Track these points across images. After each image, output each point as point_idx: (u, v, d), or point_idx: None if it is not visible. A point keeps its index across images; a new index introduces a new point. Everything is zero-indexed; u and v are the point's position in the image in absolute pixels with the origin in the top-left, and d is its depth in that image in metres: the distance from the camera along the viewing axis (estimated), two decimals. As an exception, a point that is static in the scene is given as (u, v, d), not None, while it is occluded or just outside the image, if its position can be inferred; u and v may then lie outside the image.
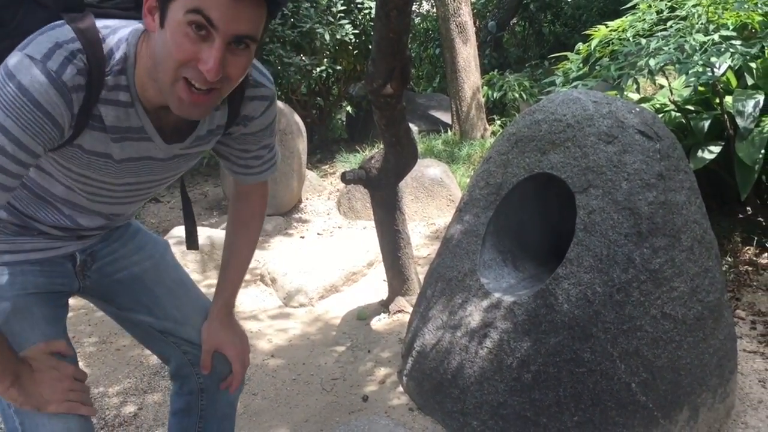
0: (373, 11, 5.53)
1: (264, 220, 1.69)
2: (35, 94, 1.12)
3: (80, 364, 2.84)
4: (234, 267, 1.64)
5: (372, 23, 5.57)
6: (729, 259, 3.11)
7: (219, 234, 3.89)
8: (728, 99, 3.14)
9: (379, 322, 3.13)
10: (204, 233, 3.85)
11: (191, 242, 1.71)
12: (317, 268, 3.70)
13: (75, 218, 1.41)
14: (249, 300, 3.49)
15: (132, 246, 1.59)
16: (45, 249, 1.44)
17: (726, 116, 3.06)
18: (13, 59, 1.13)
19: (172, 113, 1.27)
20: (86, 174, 1.30)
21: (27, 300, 1.39)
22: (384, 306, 3.24)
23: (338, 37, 5.44)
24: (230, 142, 1.47)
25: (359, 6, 5.64)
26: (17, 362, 1.26)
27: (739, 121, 2.94)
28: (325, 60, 5.55)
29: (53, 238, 1.44)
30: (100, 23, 1.22)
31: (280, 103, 4.80)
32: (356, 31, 5.59)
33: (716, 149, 3.04)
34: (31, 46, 1.14)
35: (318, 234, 4.52)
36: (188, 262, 3.70)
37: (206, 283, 3.60)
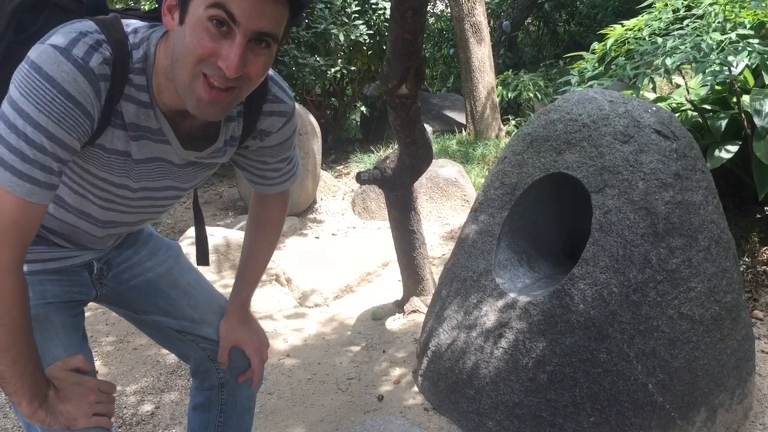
0: (388, 12, 5.54)
1: (284, 224, 1.69)
2: (64, 84, 1.09)
3: (98, 363, 2.86)
4: (252, 267, 1.65)
5: (386, 24, 5.57)
6: (746, 260, 3.09)
7: (234, 234, 3.91)
8: (745, 98, 3.11)
9: (394, 322, 3.13)
10: (220, 233, 3.88)
11: (202, 258, 1.70)
12: (332, 268, 3.71)
13: (93, 226, 1.40)
14: (264, 300, 3.51)
15: (145, 252, 1.60)
16: (62, 258, 1.44)
17: (743, 115, 3.03)
18: (36, 51, 1.10)
19: (188, 121, 1.26)
20: (104, 177, 1.28)
21: (46, 309, 1.39)
22: (399, 306, 3.24)
23: (352, 37, 5.45)
24: (248, 154, 1.45)
25: (374, 6, 5.65)
26: (45, 384, 1.24)
27: (756, 120, 2.92)
28: (340, 60, 5.57)
29: (68, 248, 1.44)
30: (124, 20, 1.21)
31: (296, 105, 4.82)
32: (370, 32, 5.59)
33: (733, 149, 3.02)
34: (54, 37, 1.11)
35: (333, 234, 4.53)
36: (204, 262, 3.72)
37: (222, 282, 3.62)
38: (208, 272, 3.69)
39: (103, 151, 1.23)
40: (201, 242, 1.69)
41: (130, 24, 1.21)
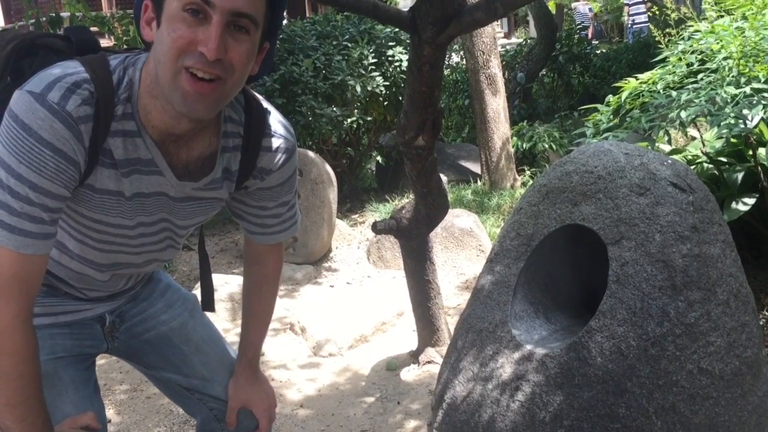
0: (404, 64, 5.63)
1: (279, 282, 1.67)
2: (40, 131, 1.06)
3: (111, 412, 2.85)
4: (254, 328, 1.62)
5: (402, 75, 5.66)
6: (766, 313, 3.05)
7: (250, 282, 3.91)
8: (761, 151, 3.12)
9: (408, 373, 3.11)
10: (235, 281, 3.89)
11: (208, 304, 1.67)
12: (347, 317, 3.70)
13: (97, 273, 1.37)
14: (278, 349, 3.49)
15: (160, 305, 1.58)
16: (74, 311, 1.42)
17: (760, 168, 3.03)
18: (14, 98, 1.08)
19: (183, 149, 1.23)
20: (98, 218, 1.25)
21: (56, 364, 1.37)
22: (414, 357, 3.22)
23: (369, 88, 5.54)
24: (246, 198, 1.42)
25: (390, 59, 5.75)
26: None
27: (773, 173, 2.92)
28: (356, 111, 5.64)
29: (80, 299, 1.42)
30: (111, 55, 1.20)
31: (311, 153, 4.88)
32: (386, 83, 5.68)
33: (750, 201, 3.01)
34: (31, 83, 1.09)
35: (347, 283, 4.53)
36: (219, 310, 3.72)
37: (236, 331, 3.61)
38: (223, 320, 3.69)
39: (92, 191, 1.20)
40: (206, 287, 1.66)
41: (118, 56, 1.19)
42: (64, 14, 5.36)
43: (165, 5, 1.10)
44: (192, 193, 1.31)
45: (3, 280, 1.11)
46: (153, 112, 1.18)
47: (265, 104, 1.35)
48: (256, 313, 1.63)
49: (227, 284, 3.84)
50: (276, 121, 1.34)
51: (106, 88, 1.13)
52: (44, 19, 4.74)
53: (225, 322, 3.69)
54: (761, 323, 2.94)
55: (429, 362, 3.11)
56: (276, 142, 1.33)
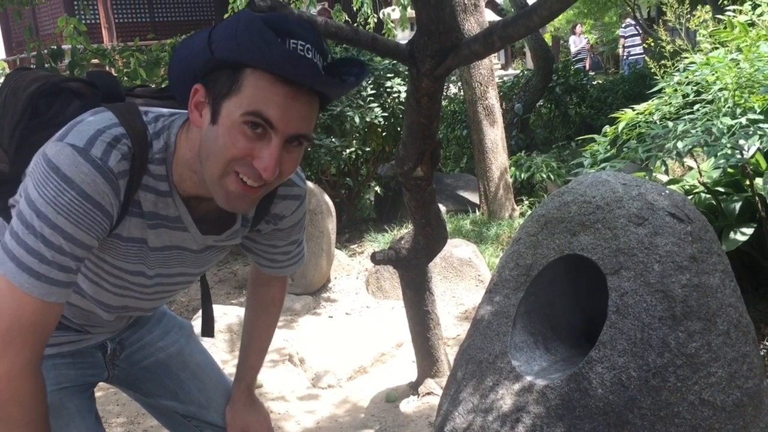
0: (402, 95, 5.68)
1: (282, 307, 1.70)
2: (83, 185, 1.09)
3: (107, 444, 2.82)
4: (254, 351, 1.64)
5: (400, 106, 5.70)
6: (767, 344, 3.04)
7: (248, 313, 3.90)
8: (758, 181, 3.13)
9: (408, 405, 3.08)
10: (233, 312, 3.87)
11: (207, 330, 1.68)
12: (346, 348, 3.68)
13: (104, 312, 1.39)
14: (277, 380, 3.47)
15: (158, 331, 1.60)
16: (77, 341, 1.43)
17: (757, 198, 3.05)
18: (53, 149, 1.10)
19: (203, 204, 1.26)
20: (119, 265, 1.28)
21: (61, 395, 1.38)
22: (413, 388, 3.19)
23: (368, 119, 5.58)
24: (258, 238, 1.46)
25: (388, 90, 5.80)
26: None
27: (770, 202, 2.93)
28: (355, 141, 5.68)
29: (80, 331, 1.43)
30: (143, 108, 1.22)
31: (310, 184, 4.89)
32: (385, 114, 5.72)
33: (749, 231, 3.02)
34: (71, 135, 1.11)
35: (346, 314, 4.51)
36: (217, 341, 3.70)
37: (235, 362, 3.59)
38: (221, 351, 3.67)
39: (120, 240, 1.23)
40: (207, 312, 1.67)
41: (149, 112, 1.22)
42: (66, 47, 5.42)
43: (224, 107, 1.11)
44: (212, 243, 1.34)
45: (22, 327, 1.11)
46: (188, 182, 1.21)
47: None
48: (258, 336, 1.64)
49: (225, 315, 3.82)
50: None
51: (142, 145, 1.16)
52: (46, 51, 4.79)
53: (223, 353, 3.66)
54: (762, 354, 2.93)
55: (428, 393, 3.09)
56: (290, 191, 1.38)
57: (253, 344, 1.64)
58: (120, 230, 1.21)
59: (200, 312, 3.89)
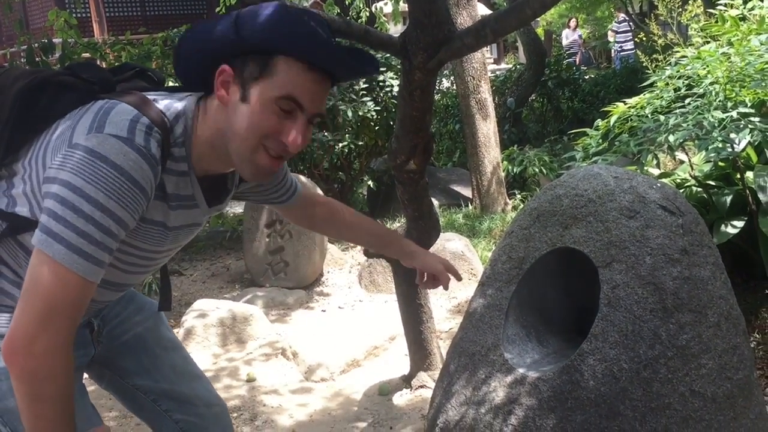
0: (394, 89, 5.67)
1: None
2: (132, 172, 1.17)
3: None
4: (373, 228, 1.83)
5: (393, 100, 5.70)
6: (757, 336, 3.06)
7: (240, 308, 3.89)
8: (749, 174, 3.15)
9: (401, 398, 3.09)
10: (225, 306, 3.87)
11: (165, 304, 1.69)
12: (339, 342, 3.69)
13: (104, 292, 1.42)
14: (270, 374, 3.47)
15: (133, 307, 1.65)
16: None
17: (748, 191, 3.06)
18: (95, 140, 1.16)
19: (206, 179, 1.35)
20: (136, 245, 1.33)
21: None
22: (406, 381, 3.20)
23: (360, 113, 5.57)
24: (245, 188, 1.57)
25: (381, 84, 5.79)
26: None
27: (761, 196, 2.95)
28: (347, 136, 5.67)
29: None
30: (150, 96, 1.29)
31: (303, 178, 4.89)
32: (378, 108, 5.72)
33: (739, 224, 3.03)
34: (109, 126, 1.18)
35: (339, 307, 4.52)
36: (210, 335, 3.70)
37: (227, 356, 3.59)
38: (213, 346, 3.67)
39: (142, 221, 1.29)
40: (165, 286, 1.69)
41: (157, 99, 1.29)
42: (56, 40, 5.38)
43: (255, 88, 1.23)
44: (214, 212, 1.46)
45: (64, 305, 1.16)
46: (205, 159, 1.32)
47: None
48: (360, 223, 1.80)
49: (218, 309, 3.82)
50: None
51: (166, 132, 1.25)
52: (36, 45, 4.76)
53: (215, 347, 3.66)
54: (752, 345, 2.95)
55: (421, 386, 3.10)
56: None
57: (366, 228, 1.80)
58: (144, 213, 1.27)
59: (193, 306, 3.90)
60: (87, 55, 5.72)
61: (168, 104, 1.28)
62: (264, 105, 1.22)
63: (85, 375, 1.60)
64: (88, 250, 1.15)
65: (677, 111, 3.13)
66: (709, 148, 2.78)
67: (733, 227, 3.03)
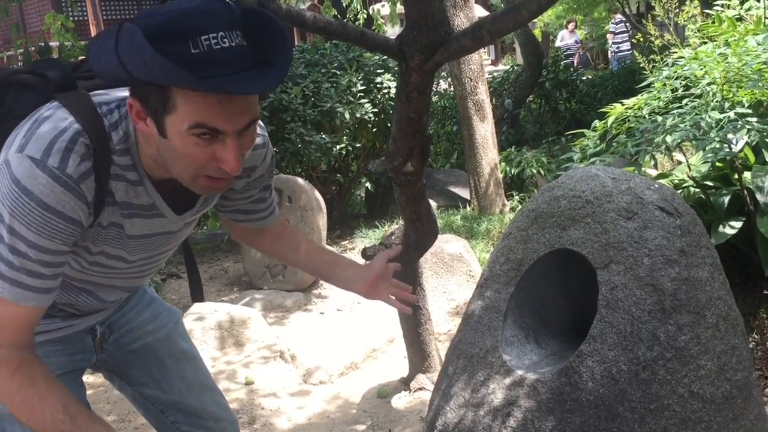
0: (392, 91, 5.67)
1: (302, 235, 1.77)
2: (41, 196, 1.11)
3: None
4: (317, 251, 1.75)
5: (390, 102, 5.69)
6: (756, 337, 3.05)
7: (239, 311, 3.89)
8: (747, 175, 3.15)
9: (399, 400, 3.08)
10: (224, 309, 3.86)
11: (197, 295, 1.69)
12: (337, 344, 3.68)
13: (95, 294, 1.41)
14: (268, 377, 3.46)
15: (147, 315, 1.62)
16: (66, 327, 1.45)
17: (745, 192, 3.06)
18: (15, 162, 1.12)
19: (172, 183, 1.26)
20: (102, 249, 1.29)
21: None
22: (405, 383, 3.20)
23: (358, 115, 5.56)
24: (232, 194, 1.49)
25: (378, 86, 5.78)
26: None
27: (758, 196, 2.94)
28: (345, 138, 5.66)
29: (72, 315, 1.45)
30: (96, 98, 1.21)
31: (300, 180, 4.89)
32: (375, 110, 5.71)
33: (737, 225, 3.03)
34: (30, 145, 1.12)
35: (338, 310, 4.51)
36: (208, 338, 3.69)
37: (225, 359, 3.58)
38: (212, 348, 3.66)
39: (101, 228, 1.25)
40: (195, 278, 1.67)
41: (102, 103, 1.21)
42: (53, 44, 5.38)
43: (167, 122, 1.10)
44: (189, 219, 1.37)
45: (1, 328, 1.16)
46: (157, 170, 1.23)
47: None
48: (307, 247, 1.71)
49: (216, 312, 3.81)
50: None
51: (101, 138, 1.17)
52: (33, 48, 4.75)
53: (213, 350, 3.65)
54: (750, 346, 2.94)
55: (420, 389, 3.09)
56: (257, 140, 1.34)
57: (311, 251, 1.71)
58: (101, 219, 1.23)
59: (191, 309, 3.89)
60: (84, 58, 5.71)
61: (110, 109, 1.21)
62: (182, 138, 1.10)
63: (90, 377, 1.59)
64: (10, 275, 1.13)
65: (675, 112, 3.13)
66: (707, 148, 2.78)
67: (731, 228, 3.02)
